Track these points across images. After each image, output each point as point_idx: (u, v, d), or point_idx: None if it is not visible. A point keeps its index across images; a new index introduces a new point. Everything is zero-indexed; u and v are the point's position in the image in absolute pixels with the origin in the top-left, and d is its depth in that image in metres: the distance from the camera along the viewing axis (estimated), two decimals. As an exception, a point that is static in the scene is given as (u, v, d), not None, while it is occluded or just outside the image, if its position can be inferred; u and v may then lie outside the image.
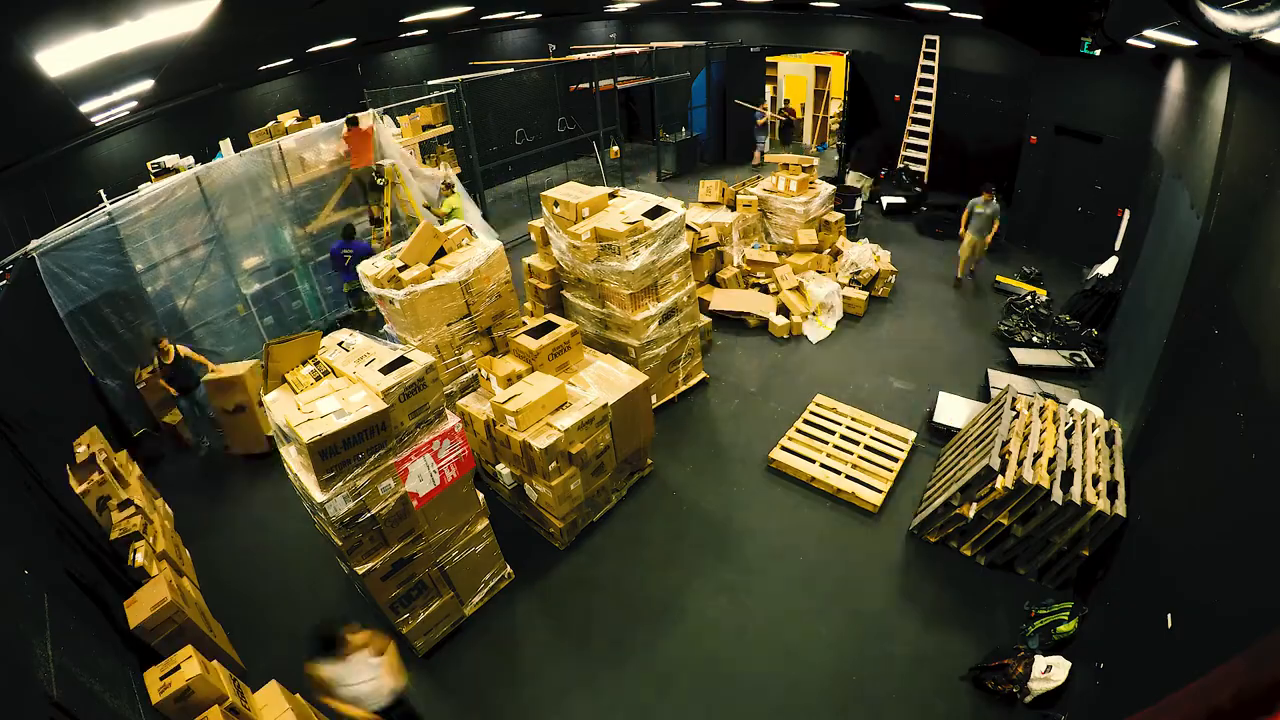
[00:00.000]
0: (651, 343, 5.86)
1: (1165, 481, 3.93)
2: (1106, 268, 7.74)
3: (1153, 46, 5.79)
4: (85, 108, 5.92)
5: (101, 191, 6.66)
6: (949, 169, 11.13)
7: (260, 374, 4.36)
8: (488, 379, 5.18)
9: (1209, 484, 3.27)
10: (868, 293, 8.18)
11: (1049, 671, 3.83)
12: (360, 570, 3.89)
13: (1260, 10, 2.61)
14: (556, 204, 5.80)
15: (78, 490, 4.70)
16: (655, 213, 5.65)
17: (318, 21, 7.59)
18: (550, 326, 5.21)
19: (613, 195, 5.95)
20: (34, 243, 6.00)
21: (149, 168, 7.37)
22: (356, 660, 3.27)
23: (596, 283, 5.74)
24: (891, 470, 5.56)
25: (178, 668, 3.33)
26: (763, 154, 13.57)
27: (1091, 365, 6.75)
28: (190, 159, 7.63)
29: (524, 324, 5.52)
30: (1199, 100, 5.25)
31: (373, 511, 3.79)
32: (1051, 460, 4.55)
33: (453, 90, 9.59)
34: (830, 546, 5.10)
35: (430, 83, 10.03)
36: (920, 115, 11.12)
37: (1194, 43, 4.61)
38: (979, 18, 9.38)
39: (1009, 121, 9.73)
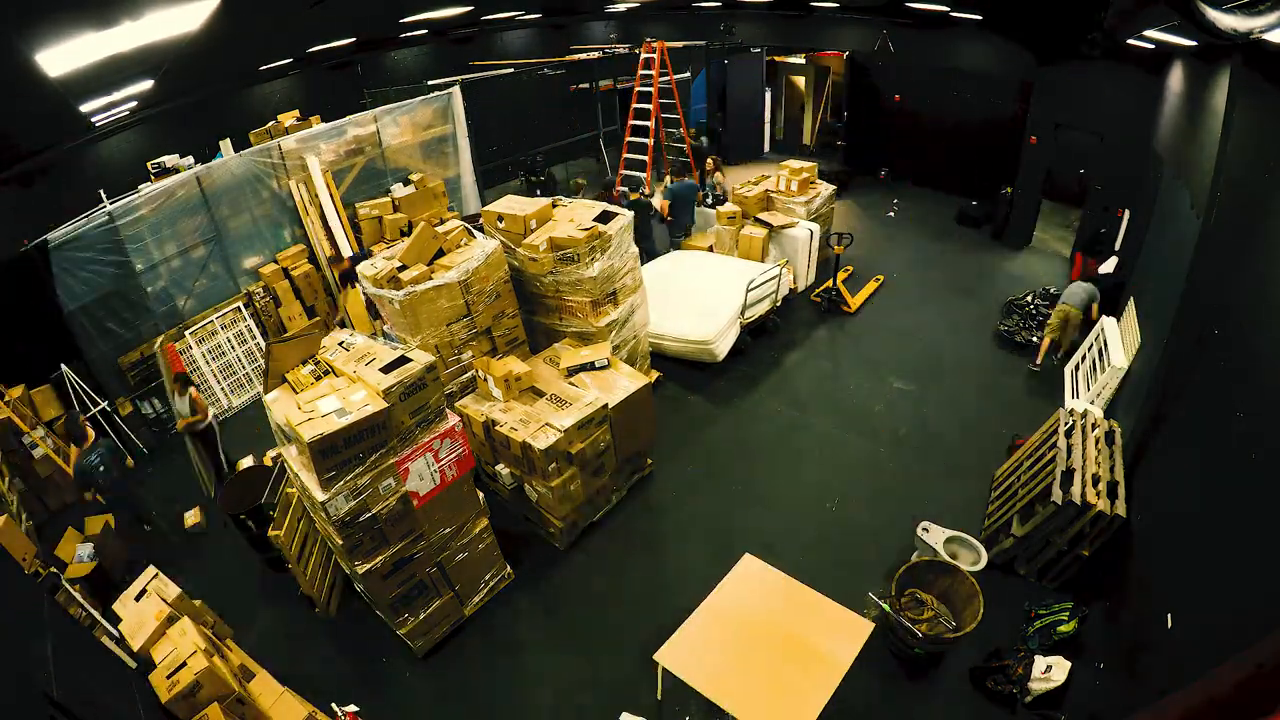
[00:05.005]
0: (615, 348, 5.82)
1: (1165, 481, 3.93)
2: (1107, 268, 7.75)
3: (1153, 47, 5.78)
4: (85, 108, 5.91)
5: (101, 191, 6.66)
6: (950, 170, 11.15)
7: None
8: (484, 380, 5.18)
9: (1209, 484, 3.27)
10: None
11: (1049, 671, 3.83)
12: (360, 570, 3.89)
13: (1260, 10, 2.60)
14: (501, 219, 5.61)
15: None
16: (605, 217, 5.60)
17: (318, 21, 7.59)
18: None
19: (555, 205, 5.90)
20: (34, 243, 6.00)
21: (149, 168, 7.37)
22: None
23: (553, 294, 5.63)
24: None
25: (184, 664, 3.35)
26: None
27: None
28: (190, 159, 7.63)
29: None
30: (1199, 100, 5.25)
31: (373, 511, 3.79)
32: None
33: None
34: (830, 545, 5.10)
35: (430, 82, 10.02)
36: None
37: (1194, 43, 4.61)
38: (979, 18, 9.38)
39: (1008, 121, 9.73)
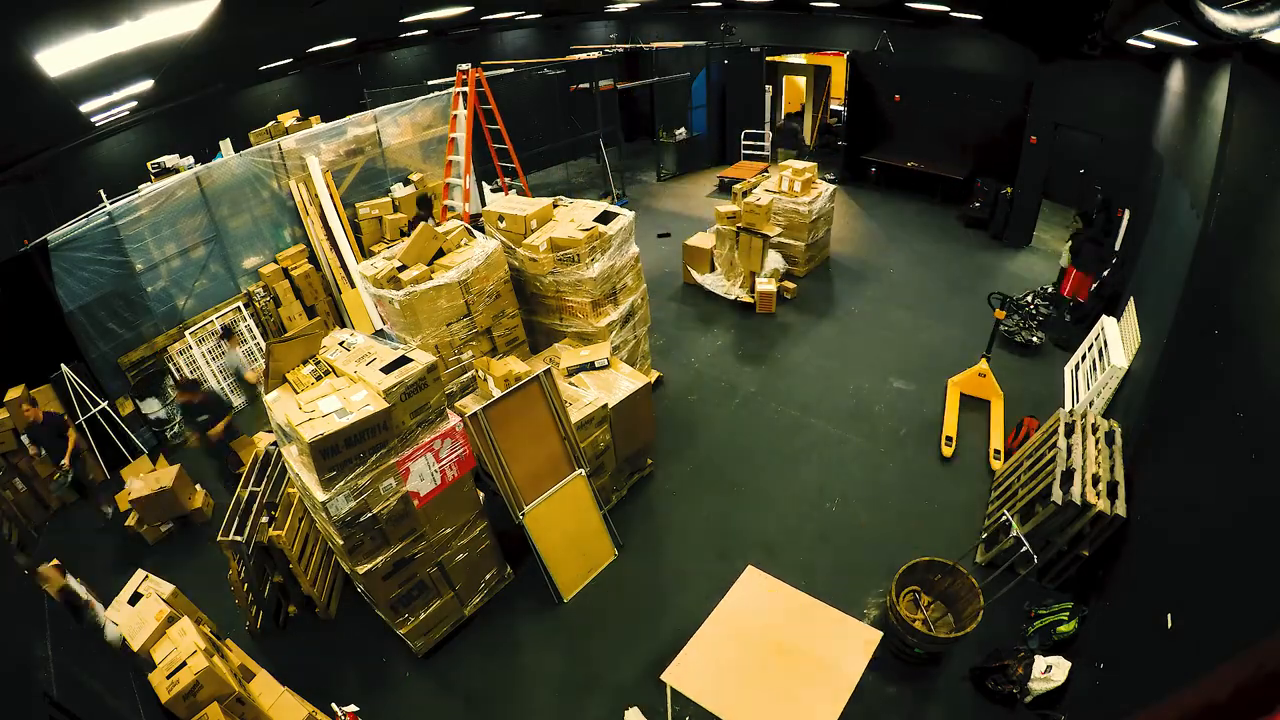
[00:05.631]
0: (615, 349, 5.82)
1: (1165, 481, 3.93)
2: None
3: (1153, 47, 5.78)
4: (85, 108, 5.91)
5: (101, 191, 6.66)
6: (950, 169, 11.15)
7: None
8: (485, 380, 5.18)
9: (1209, 484, 3.27)
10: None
11: (1049, 671, 3.83)
12: (361, 570, 3.89)
13: (1260, 10, 2.60)
14: (501, 219, 5.62)
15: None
16: (606, 218, 5.61)
17: (318, 21, 7.58)
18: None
19: (556, 205, 5.90)
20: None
21: (149, 168, 7.37)
22: None
23: (553, 294, 5.65)
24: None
25: (184, 664, 3.35)
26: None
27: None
28: (190, 159, 7.63)
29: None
30: (1199, 100, 5.24)
31: (374, 511, 3.80)
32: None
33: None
34: (831, 545, 5.11)
35: (430, 82, 10.02)
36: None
37: (1194, 43, 4.60)
38: (979, 18, 9.38)
39: (1008, 122, 9.74)
